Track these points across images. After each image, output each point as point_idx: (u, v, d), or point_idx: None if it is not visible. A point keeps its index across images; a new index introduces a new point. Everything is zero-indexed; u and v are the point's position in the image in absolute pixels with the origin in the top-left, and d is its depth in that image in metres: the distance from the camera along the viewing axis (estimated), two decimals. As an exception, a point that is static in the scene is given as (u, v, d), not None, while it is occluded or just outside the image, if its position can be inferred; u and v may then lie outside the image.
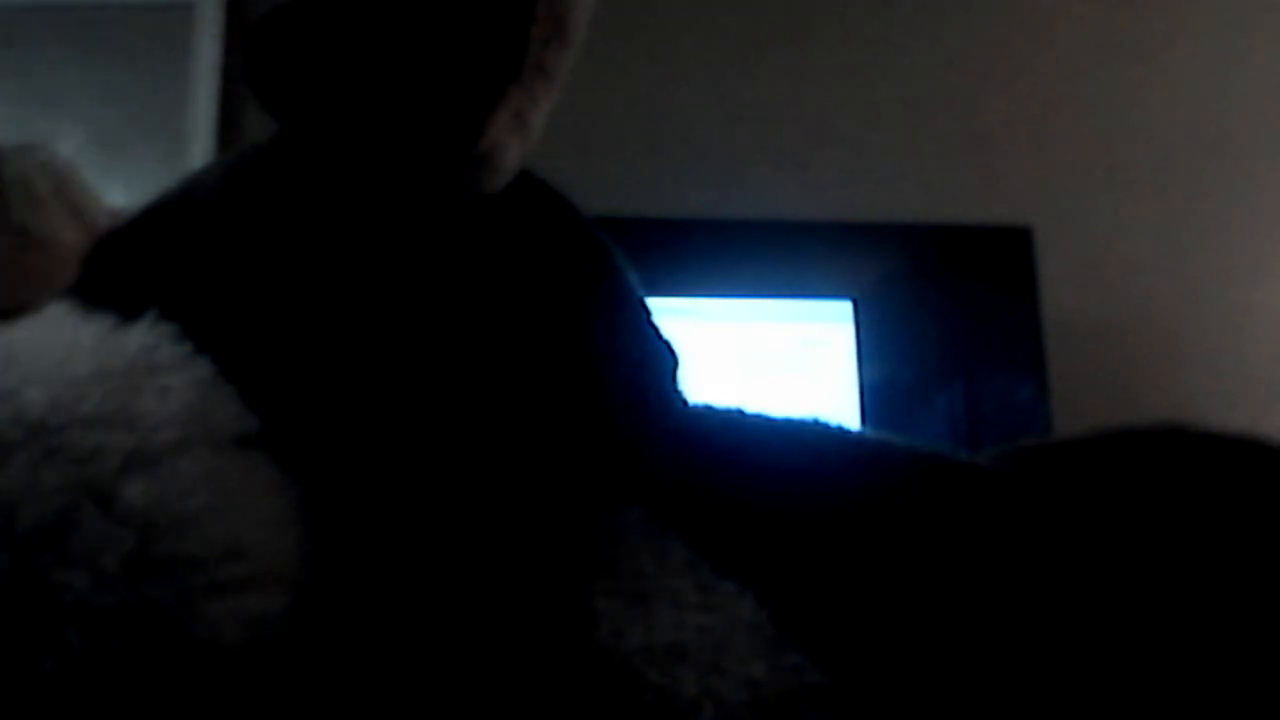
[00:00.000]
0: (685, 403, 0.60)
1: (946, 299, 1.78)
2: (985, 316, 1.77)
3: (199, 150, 1.78)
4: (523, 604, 0.49)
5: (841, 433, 0.60)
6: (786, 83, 1.86)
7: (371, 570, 0.48)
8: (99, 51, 1.80)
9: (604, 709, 0.48)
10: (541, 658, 0.48)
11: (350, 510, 0.48)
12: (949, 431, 1.72)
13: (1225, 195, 1.81)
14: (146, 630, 0.43)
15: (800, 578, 0.51)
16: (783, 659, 0.49)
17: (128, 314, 0.49)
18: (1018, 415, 1.73)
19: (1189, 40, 1.84)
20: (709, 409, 0.60)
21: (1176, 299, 1.78)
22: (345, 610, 0.48)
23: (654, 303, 0.60)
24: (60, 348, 0.47)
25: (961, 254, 1.78)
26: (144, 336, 0.48)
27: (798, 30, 1.87)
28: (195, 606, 0.43)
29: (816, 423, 0.59)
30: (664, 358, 0.59)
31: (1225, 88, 1.83)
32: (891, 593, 0.52)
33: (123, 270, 0.53)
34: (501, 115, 0.53)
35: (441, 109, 0.52)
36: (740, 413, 0.59)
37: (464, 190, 0.54)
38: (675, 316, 0.63)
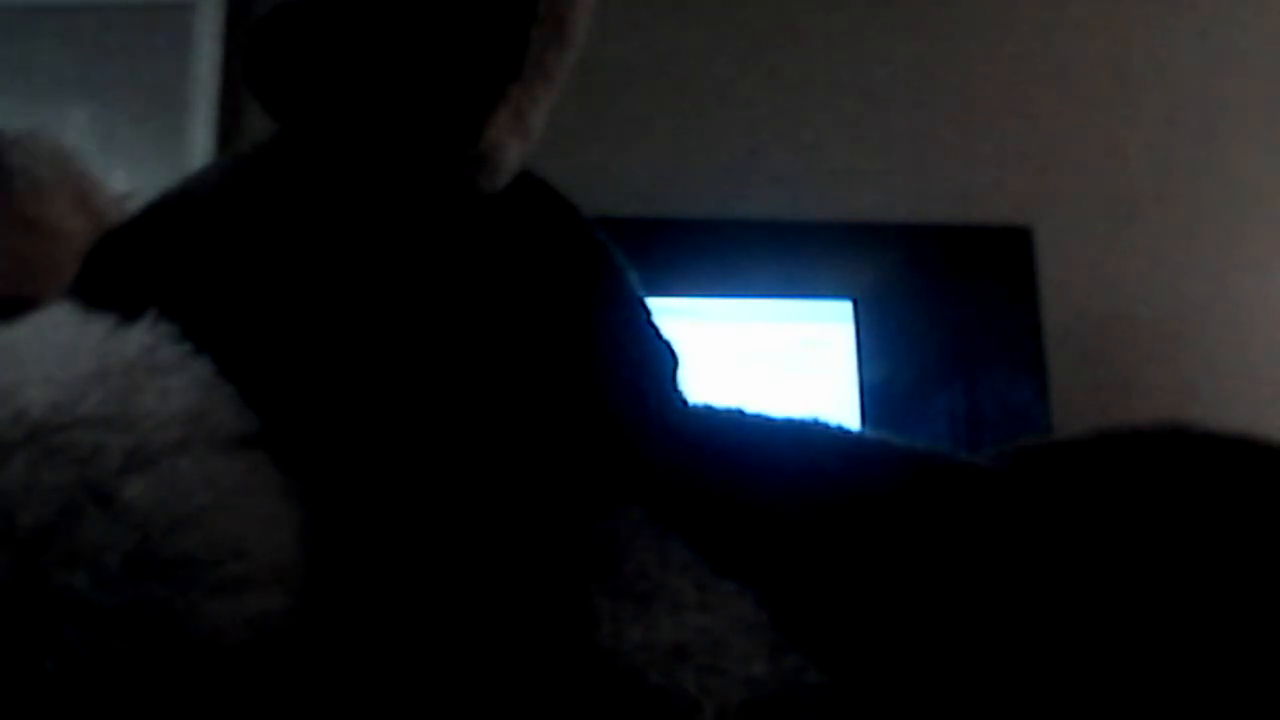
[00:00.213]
0: (685, 403, 0.60)
1: (946, 299, 1.78)
2: (985, 316, 1.77)
3: (199, 150, 1.78)
4: (523, 603, 0.49)
5: (841, 433, 0.60)
6: (787, 83, 1.86)
7: (371, 570, 0.48)
8: (99, 51, 1.80)
9: (604, 709, 0.48)
10: (541, 657, 0.48)
11: (350, 510, 0.48)
12: (949, 431, 1.72)
13: (1225, 195, 1.81)
14: (147, 630, 0.43)
15: (799, 578, 0.51)
16: (783, 659, 0.49)
17: (128, 314, 0.49)
18: (1018, 415, 1.73)
19: (1189, 40, 1.84)
20: (709, 409, 0.60)
21: (1176, 299, 1.78)
22: (345, 610, 0.48)
23: (654, 303, 0.60)
24: (61, 348, 0.47)
25: (961, 254, 1.78)
26: (144, 336, 0.48)
27: (798, 31, 1.87)
28: (196, 606, 0.43)
29: (816, 423, 0.59)
30: (664, 358, 0.59)
31: (1225, 88, 1.83)
32: (891, 593, 0.52)
33: (122, 270, 0.53)
34: (501, 115, 0.53)
35: (441, 109, 0.52)
36: (740, 413, 0.59)
37: (464, 190, 0.54)
38: (675, 316, 0.63)
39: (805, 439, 0.58)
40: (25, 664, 0.41)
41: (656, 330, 0.60)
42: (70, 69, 1.79)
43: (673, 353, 0.60)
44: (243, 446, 0.47)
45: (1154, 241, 1.80)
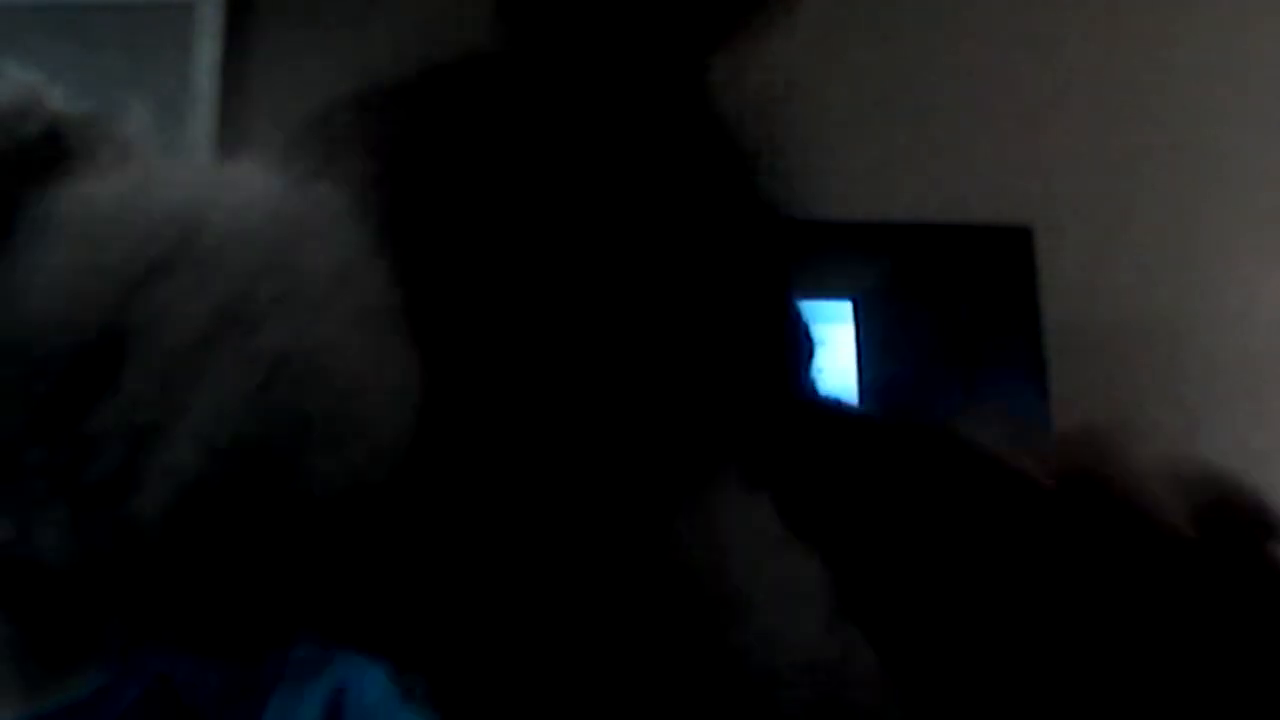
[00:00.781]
0: (809, 387, 0.60)
1: (946, 299, 1.78)
2: (985, 316, 1.77)
3: (199, 150, 1.77)
4: (610, 522, 0.49)
5: (934, 433, 0.60)
6: (786, 83, 1.86)
7: (476, 459, 0.49)
8: (99, 51, 1.79)
9: (663, 639, 0.48)
10: (615, 574, 0.49)
11: (473, 399, 0.49)
12: (950, 431, 1.72)
13: (1225, 195, 1.82)
14: (251, 468, 0.43)
15: (865, 555, 0.51)
16: (841, 631, 0.49)
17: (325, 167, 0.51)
18: (1018, 415, 1.73)
19: (1189, 40, 1.85)
20: (826, 399, 0.60)
21: (1176, 299, 1.79)
22: (441, 485, 0.48)
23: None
24: (254, 182, 0.49)
25: (961, 254, 1.79)
26: (327, 190, 0.49)
27: (796, 30, 1.88)
28: (302, 454, 0.44)
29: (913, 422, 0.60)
30: (806, 340, 0.60)
31: (1225, 88, 1.84)
32: (953, 587, 0.52)
33: (344, 129, 0.54)
34: (731, 40, 0.55)
35: (689, 16, 0.54)
36: (853, 409, 0.60)
37: (687, 106, 0.56)
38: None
39: (898, 437, 0.58)
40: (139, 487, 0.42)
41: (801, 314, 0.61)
42: (70, 69, 1.78)
43: (811, 339, 0.60)
44: (380, 317, 0.48)
45: (1154, 242, 1.81)
